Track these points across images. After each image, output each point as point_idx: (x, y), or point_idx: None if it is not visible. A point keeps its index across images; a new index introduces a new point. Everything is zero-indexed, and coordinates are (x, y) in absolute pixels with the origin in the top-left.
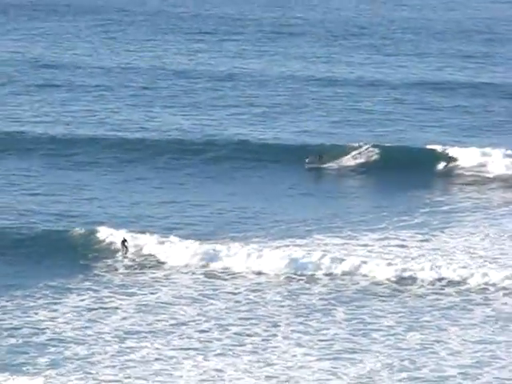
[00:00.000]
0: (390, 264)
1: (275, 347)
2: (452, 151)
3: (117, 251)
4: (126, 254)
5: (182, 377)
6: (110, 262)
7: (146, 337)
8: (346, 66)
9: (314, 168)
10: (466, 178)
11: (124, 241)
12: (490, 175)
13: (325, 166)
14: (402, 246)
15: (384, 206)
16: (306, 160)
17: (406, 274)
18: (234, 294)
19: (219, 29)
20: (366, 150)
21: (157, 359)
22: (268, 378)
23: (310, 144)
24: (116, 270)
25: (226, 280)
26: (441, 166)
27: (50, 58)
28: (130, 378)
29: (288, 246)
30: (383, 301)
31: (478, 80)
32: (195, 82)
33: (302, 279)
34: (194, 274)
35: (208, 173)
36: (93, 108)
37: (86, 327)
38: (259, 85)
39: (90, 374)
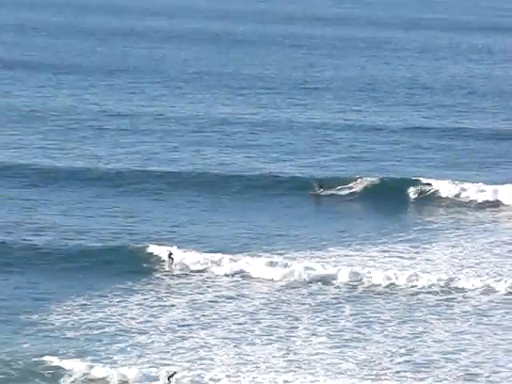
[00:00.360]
0: (388, 270)
1: (297, 337)
2: (437, 183)
3: (170, 262)
4: (171, 265)
5: (222, 361)
6: (166, 269)
7: (194, 328)
8: (354, 114)
9: (316, 195)
10: (449, 202)
11: (170, 254)
12: (467, 200)
13: (327, 193)
14: (399, 257)
15: (383, 225)
16: (316, 187)
17: (402, 279)
18: (265, 294)
19: (255, 85)
20: (365, 180)
21: (202, 346)
22: (290, 361)
23: (320, 176)
24: (172, 275)
25: (258, 283)
26: (428, 193)
27: (119, 109)
28: (180, 361)
29: (307, 256)
30: (383, 299)
31: (459, 125)
32: (235, 127)
33: (318, 282)
34: (233, 277)
35: (242, 198)
36: (153, 147)
37: (148, 321)
38: (285, 129)
39: (150, 358)
